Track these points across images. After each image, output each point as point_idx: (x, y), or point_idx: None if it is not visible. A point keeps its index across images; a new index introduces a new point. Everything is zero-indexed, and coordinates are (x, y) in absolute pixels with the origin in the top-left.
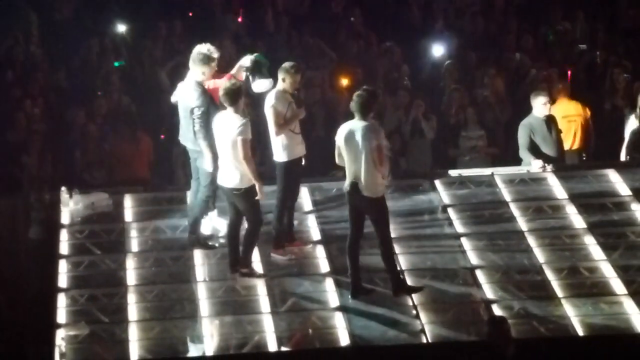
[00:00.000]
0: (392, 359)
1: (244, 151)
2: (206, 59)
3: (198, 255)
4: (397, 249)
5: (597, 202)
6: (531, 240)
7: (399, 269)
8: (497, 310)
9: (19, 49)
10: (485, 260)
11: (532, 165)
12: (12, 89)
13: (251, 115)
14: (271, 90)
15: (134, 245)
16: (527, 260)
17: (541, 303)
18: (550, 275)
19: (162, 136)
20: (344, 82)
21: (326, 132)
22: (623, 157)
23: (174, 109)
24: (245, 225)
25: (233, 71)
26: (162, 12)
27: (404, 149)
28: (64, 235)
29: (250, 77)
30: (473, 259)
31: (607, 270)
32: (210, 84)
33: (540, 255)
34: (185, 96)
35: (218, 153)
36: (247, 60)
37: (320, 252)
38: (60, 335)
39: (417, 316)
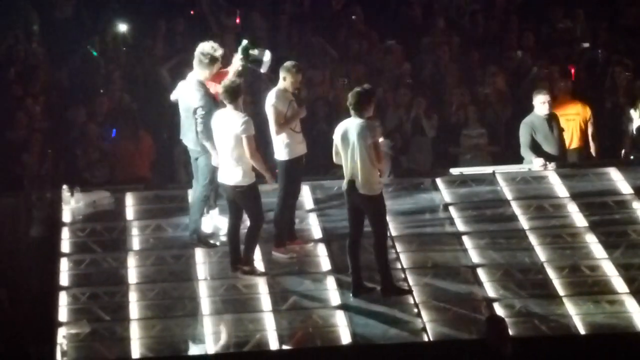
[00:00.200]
0: (393, 358)
1: (250, 148)
2: (210, 60)
3: (199, 253)
4: (398, 247)
5: (599, 200)
6: (532, 239)
7: (400, 267)
8: (498, 309)
9: (20, 48)
10: (487, 259)
11: (534, 164)
12: (13, 88)
13: (251, 112)
14: (272, 89)
15: (135, 243)
16: (528, 258)
17: (542, 301)
18: (551, 273)
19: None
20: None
21: (328, 130)
22: (624, 153)
23: (174, 107)
24: (246, 223)
25: (231, 76)
26: (163, 10)
27: (405, 147)
28: (65, 234)
29: (256, 67)
30: (474, 257)
31: (609, 269)
32: (211, 87)
33: (541, 254)
34: (187, 96)
35: (218, 151)
36: (238, 61)
37: (321, 251)
38: (62, 334)
39: (419, 314)
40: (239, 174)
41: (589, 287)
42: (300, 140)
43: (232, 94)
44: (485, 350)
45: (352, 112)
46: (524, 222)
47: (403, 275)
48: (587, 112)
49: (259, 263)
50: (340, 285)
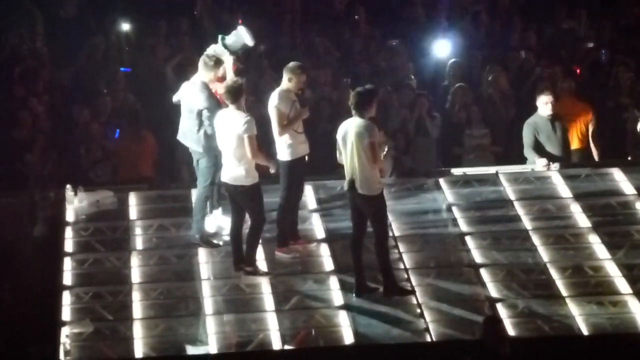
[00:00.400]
0: (396, 358)
1: (251, 148)
2: (215, 62)
3: (202, 253)
4: (401, 247)
5: (602, 201)
6: (535, 239)
7: (402, 267)
8: (501, 309)
9: (24, 47)
10: (490, 259)
11: (537, 164)
12: (17, 87)
13: (254, 112)
14: (275, 90)
15: (139, 243)
16: (531, 259)
17: (545, 302)
18: (554, 274)
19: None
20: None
21: (331, 131)
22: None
23: (177, 107)
24: (249, 223)
25: (231, 76)
26: (166, 10)
27: (408, 148)
28: (68, 233)
29: (245, 48)
30: (477, 257)
31: (612, 269)
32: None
33: (544, 254)
34: (191, 97)
35: (221, 151)
36: (227, 58)
37: (324, 251)
38: (65, 333)
39: (421, 315)
40: (241, 174)
41: (592, 287)
42: (303, 140)
43: (234, 94)
44: (484, 351)
45: (353, 112)
46: (527, 223)
47: (406, 276)
48: (590, 112)
49: (261, 263)
50: (343, 285)
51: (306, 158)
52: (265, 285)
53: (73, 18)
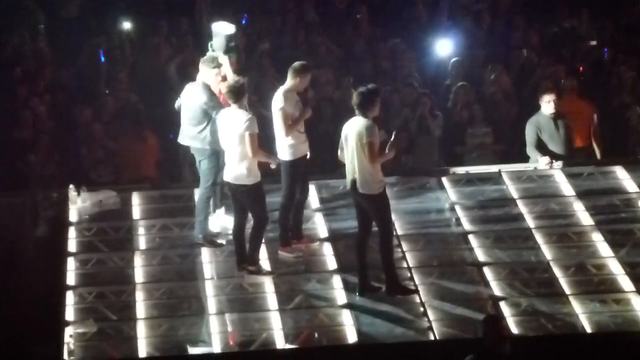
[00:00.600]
0: (399, 357)
1: (252, 146)
2: (216, 63)
3: (205, 252)
4: (404, 246)
5: (605, 199)
6: (538, 238)
7: (405, 266)
8: (504, 308)
9: (26, 47)
10: (493, 258)
11: (539, 163)
12: (19, 87)
13: (257, 112)
14: (278, 91)
15: (142, 242)
16: (534, 257)
17: (548, 300)
18: (557, 272)
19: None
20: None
21: (333, 130)
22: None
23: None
24: (251, 222)
25: (231, 77)
26: (167, 10)
27: (410, 147)
28: (71, 233)
29: (233, 40)
30: (480, 256)
31: (615, 267)
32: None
33: (547, 253)
34: (194, 97)
35: (224, 150)
36: (223, 59)
37: (327, 250)
38: (68, 333)
39: (425, 314)
40: (243, 173)
41: (595, 285)
42: (304, 140)
43: (236, 93)
44: (485, 350)
45: (356, 111)
46: (529, 221)
47: (409, 274)
48: (592, 110)
49: (264, 262)
50: (346, 284)
51: (307, 156)
52: (268, 285)
53: (75, 18)
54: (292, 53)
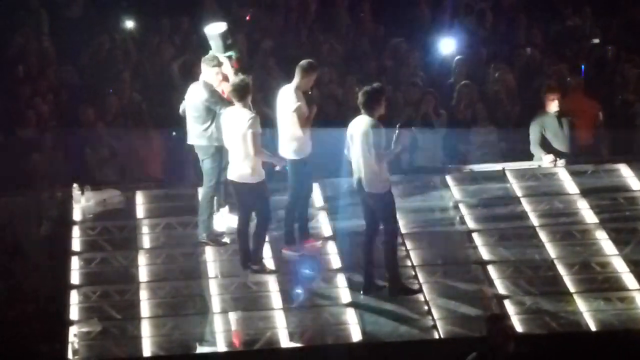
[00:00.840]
0: (403, 355)
1: (254, 145)
2: (217, 62)
3: (209, 251)
4: (408, 244)
5: (609, 197)
6: (542, 236)
7: (410, 264)
8: (508, 306)
9: (29, 47)
10: (497, 256)
11: (543, 161)
12: (23, 86)
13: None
14: (287, 90)
15: (146, 241)
16: (538, 255)
17: (553, 298)
18: (561, 270)
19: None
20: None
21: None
22: None
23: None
24: (255, 221)
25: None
26: (170, 9)
27: (414, 145)
28: (75, 232)
29: (235, 48)
30: (484, 254)
31: (619, 265)
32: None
33: (551, 251)
34: (197, 95)
35: (227, 148)
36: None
37: (331, 248)
38: (73, 332)
39: (429, 312)
40: (247, 172)
41: (599, 283)
42: (309, 138)
43: (241, 91)
44: (489, 348)
45: (362, 111)
46: (534, 219)
47: (413, 273)
48: (597, 108)
49: (268, 261)
50: (351, 283)
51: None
52: (272, 283)
53: (78, 17)
54: (295, 52)
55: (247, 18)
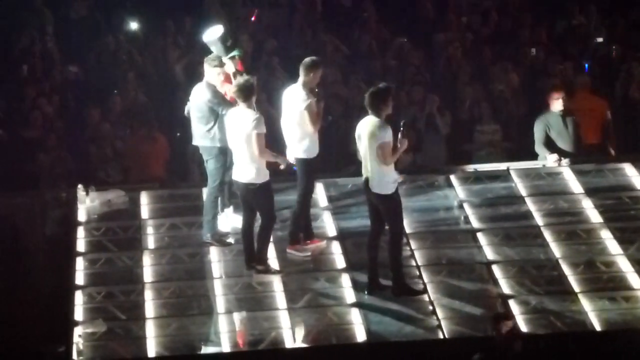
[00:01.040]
0: (408, 355)
1: (259, 145)
2: (219, 62)
3: (214, 252)
4: (412, 244)
5: (614, 196)
6: (547, 235)
7: (414, 264)
8: (513, 306)
9: (34, 47)
10: (501, 255)
11: (548, 160)
12: (28, 87)
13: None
14: (294, 89)
15: (150, 242)
16: (543, 255)
17: (558, 298)
18: (566, 269)
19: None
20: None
21: (341, 129)
22: None
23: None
24: (259, 221)
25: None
26: (173, 9)
27: (418, 145)
28: (80, 233)
29: (237, 48)
30: (489, 254)
31: (624, 265)
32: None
33: (556, 250)
34: (200, 96)
35: (232, 149)
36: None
37: (335, 248)
38: (78, 333)
39: (433, 312)
40: (252, 172)
41: (604, 283)
42: (317, 138)
43: (245, 92)
44: (494, 348)
45: (369, 111)
46: (538, 219)
47: (418, 272)
48: (605, 107)
49: (273, 261)
50: (355, 282)
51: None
52: (277, 284)
53: (83, 18)
54: (300, 51)
55: (253, 18)
